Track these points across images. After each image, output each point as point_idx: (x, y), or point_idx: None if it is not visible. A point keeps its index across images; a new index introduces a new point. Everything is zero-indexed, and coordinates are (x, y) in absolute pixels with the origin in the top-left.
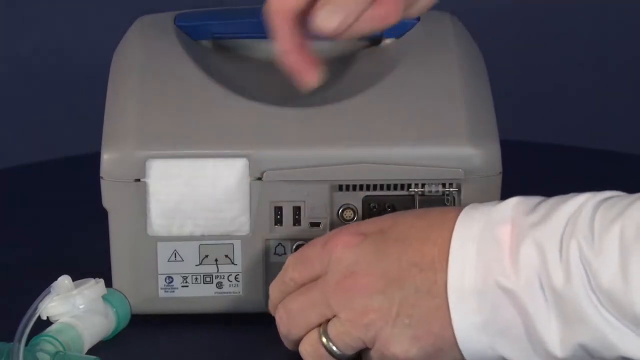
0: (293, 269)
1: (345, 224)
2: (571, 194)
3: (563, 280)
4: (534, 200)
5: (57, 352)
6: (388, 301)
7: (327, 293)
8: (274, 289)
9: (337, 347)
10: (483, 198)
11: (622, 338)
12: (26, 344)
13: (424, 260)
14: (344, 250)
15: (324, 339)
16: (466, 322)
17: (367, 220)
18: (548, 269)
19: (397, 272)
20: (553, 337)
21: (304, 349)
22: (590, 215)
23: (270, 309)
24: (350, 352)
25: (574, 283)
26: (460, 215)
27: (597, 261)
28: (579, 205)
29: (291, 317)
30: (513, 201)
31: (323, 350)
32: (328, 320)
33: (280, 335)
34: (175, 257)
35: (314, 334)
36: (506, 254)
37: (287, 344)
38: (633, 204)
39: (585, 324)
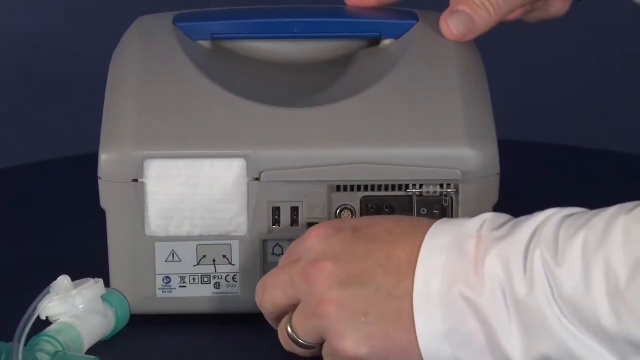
0: (282, 259)
1: None
2: (537, 212)
3: (526, 291)
4: (504, 217)
5: (56, 352)
6: (346, 295)
7: (292, 277)
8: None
9: (297, 334)
10: (481, 199)
11: (584, 350)
12: (25, 344)
13: (389, 263)
14: (315, 240)
15: (288, 327)
16: (430, 330)
17: (348, 219)
18: (512, 280)
19: (361, 270)
20: (515, 348)
21: (279, 334)
22: (555, 228)
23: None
24: (309, 340)
25: (537, 293)
26: (432, 226)
27: (560, 270)
28: (544, 218)
29: (263, 292)
30: (483, 217)
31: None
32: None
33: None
34: (173, 257)
35: (284, 321)
36: (471, 265)
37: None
38: (596, 215)
39: (548, 335)
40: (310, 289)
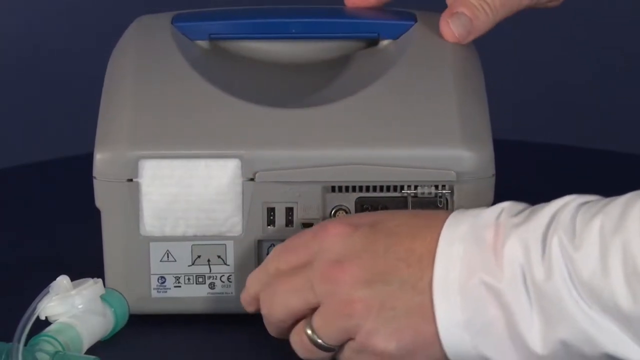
0: (278, 258)
1: None
2: (554, 200)
3: (545, 276)
4: (521, 205)
5: (56, 352)
6: (373, 293)
7: (312, 280)
8: (253, 279)
9: (320, 338)
10: (476, 200)
11: (602, 334)
12: (25, 344)
13: (411, 257)
14: (333, 240)
15: (308, 330)
16: (449, 319)
17: (359, 214)
18: (531, 265)
19: (383, 266)
20: (534, 334)
21: (292, 340)
22: (572, 213)
23: (244, 299)
24: (333, 342)
25: (555, 278)
26: (449, 217)
27: (578, 255)
28: (562, 204)
29: (274, 299)
30: (501, 206)
31: (308, 341)
32: (313, 311)
33: (264, 320)
34: (168, 257)
35: (301, 325)
36: (491, 252)
37: (270, 329)
38: (612, 201)
39: (567, 320)
40: (335, 290)
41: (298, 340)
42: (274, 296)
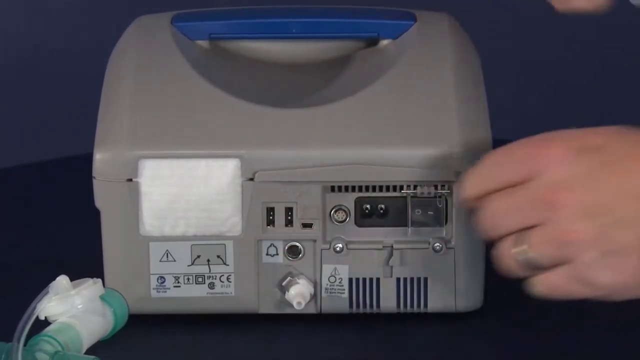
0: (496, 166)
1: (338, 225)
2: None
3: None
4: None
5: (56, 352)
6: (594, 226)
7: (534, 202)
8: (472, 184)
9: (533, 256)
10: None
11: None
12: (25, 344)
13: (636, 191)
14: (557, 163)
15: (518, 248)
16: None
17: (577, 133)
18: None
19: (608, 199)
20: None
21: (499, 252)
22: None
23: (464, 202)
24: (545, 262)
25: None
26: None
27: None
28: None
29: (495, 217)
30: None
31: (517, 256)
32: (526, 229)
33: (480, 229)
34: (168, 257)
35: (510, 240)
36: None
37: (484, 229)
38: None
39: None
40: (555, 216)
41: (507, 253)
42: (496, 217)
